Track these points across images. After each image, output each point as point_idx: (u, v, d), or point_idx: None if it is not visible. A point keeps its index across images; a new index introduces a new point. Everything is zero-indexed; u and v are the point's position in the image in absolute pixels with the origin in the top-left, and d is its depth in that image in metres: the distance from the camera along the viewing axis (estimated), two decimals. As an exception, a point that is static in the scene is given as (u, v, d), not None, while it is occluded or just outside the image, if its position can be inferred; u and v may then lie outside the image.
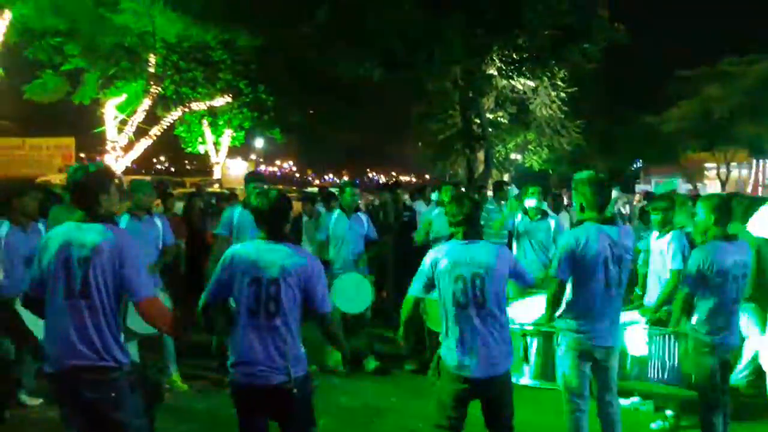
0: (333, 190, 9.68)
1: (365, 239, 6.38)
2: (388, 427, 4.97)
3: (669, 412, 4.86)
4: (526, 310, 4.97)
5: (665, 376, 4.40)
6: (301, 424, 3.15)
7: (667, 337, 4.43)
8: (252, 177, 6.02)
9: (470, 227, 3.58)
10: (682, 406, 4.81)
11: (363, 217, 6.52)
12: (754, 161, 32.96)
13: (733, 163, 31.84)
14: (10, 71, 16.65)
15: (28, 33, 16.61)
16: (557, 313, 3.83)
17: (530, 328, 4.79)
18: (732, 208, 4.11)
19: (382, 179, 58.24)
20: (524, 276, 3.71)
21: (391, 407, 5.39)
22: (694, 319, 4.05)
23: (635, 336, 4.38)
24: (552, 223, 6.57)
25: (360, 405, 5.43)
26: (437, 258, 3.55)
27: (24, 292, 3.11)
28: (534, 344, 4.77)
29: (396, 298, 6.92)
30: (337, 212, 6.43)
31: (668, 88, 26.29)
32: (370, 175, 70.29)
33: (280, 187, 24.03)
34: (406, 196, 10.87)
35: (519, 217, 6.68)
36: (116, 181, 3.21)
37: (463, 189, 9.98)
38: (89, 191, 3.02)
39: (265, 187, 4.73)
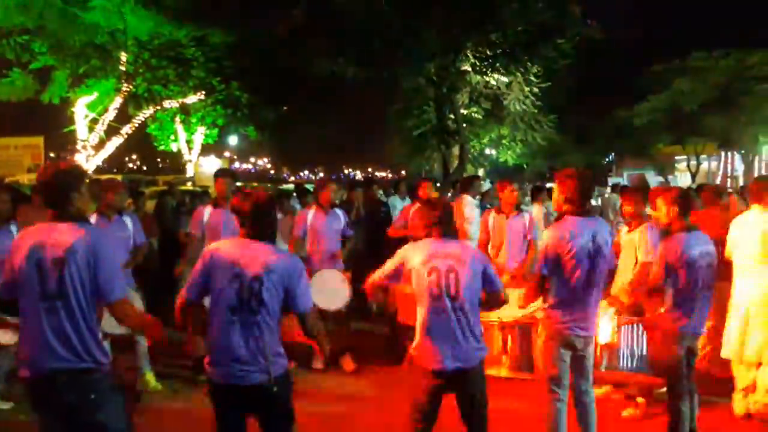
0: (308, 186, 9.68)
1: (341, 235, 6.39)
2: (367, 422, 4.99)
3: (639, 400, 4.96)
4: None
5: (635, 365, 4.49)
6: (281, 422, 3.15)
7: (635, 326, 4.52)
8: (221, 172, 5.98)
9: (445, 228, 3.62)
10: (651, 393, 4.92)
11: (340, 213, 6.51)
12: (723, 153, 33.63)
13: (703, 156, 32.42)
14: (-23, 70, 16.33)
15: (-5, 30, 16.28)
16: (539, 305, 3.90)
17: (509, 320, 4.85)
18: (692, 200, 4.21)
19: (359, 175, 58.23)
20: (494, 281, 3.65)
21: (369, 402, 5.42)
22: (662, 309, 4.14)
23: (604, 325, 4.45)
24: (527, 217, 6.65)
25: (339, 400, 5.45)
26: (412, 251, 3.58)
27: None
28: (512, 336, 4.84)
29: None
30: (313, 208, 6.42)
31: (640, 82, 26.64)
32: (346, 171, 70.16)
33: (255, 184, 23.91)
34: (381, 192, 10.91)
35: (493, 214, 6.74)
36: (87, 180, 3.17)
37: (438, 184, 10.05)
38: (60, 190, 2.96)
39: (237, 183, 4.71)
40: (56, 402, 2.92)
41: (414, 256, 3.55)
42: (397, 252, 3.68)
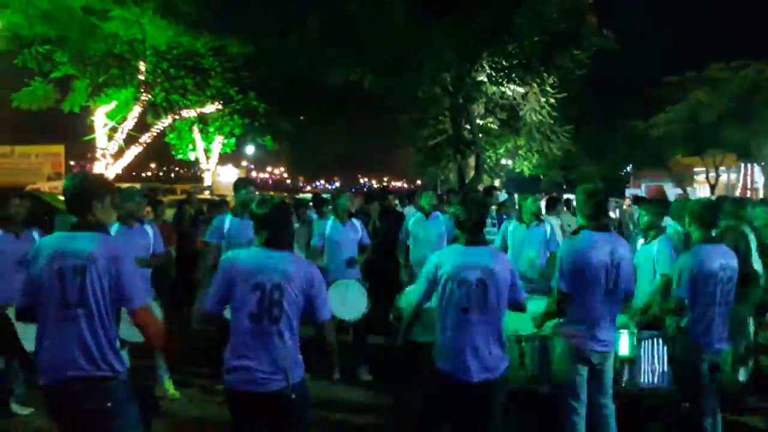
0: (325, 196, 9.70)
1: (359, 245, 6.42)
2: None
3: (660, 415, 4.90)
4: (521, 316, 4.99)
5: (655, 380, 4.43)
6: (296, 429, 3.15)
7: (655, 340, 4.47)
8: (242, 183, 6.01)
9: (475, 232, 3.60)
10: (673, 409, 4.85)
11: (357, 223, 6.56)
12: (743, 165, 33.27)
13: (722, 167, 32.12)
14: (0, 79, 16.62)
15: (18, 40, 16.56)
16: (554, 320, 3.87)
17: (526, 333, 4.82)
18: (714, 213, 4.16)
19: (374, 185, 58.31)
20: (519, 291, 3.63)
21: (385, 412, 5.40)
22: (682, 323, 4.09)
23: (624, 339, 4.40)
24: (548, 228, 6.58)
25: (354, 410, 5.43)
26: (440, 261, 3.56)
27: (17, 304, 3.07)
28: (530, 350, 4.80)
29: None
30: (331, 218, 6.46)
31: (656, 93, 26.49)
32: (361, 180, 70.29)
33: (272, 193, 24.02)
34: (397, 202, 10.90)
35: (514, 223, 6.71)
36: (112, 192, 3.19)
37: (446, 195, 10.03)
38: (84, 198, 3.00)
39: (257, 193, 4.74)
40: (73, 409, 2.94)
41: (441, 266, 3.53)
42: (426, 264, 3.65)
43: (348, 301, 5.89)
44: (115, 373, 2.95)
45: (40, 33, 16.43)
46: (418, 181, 24.20)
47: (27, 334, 3.72)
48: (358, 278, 6.26)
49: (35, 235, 5.06)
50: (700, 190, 33.12)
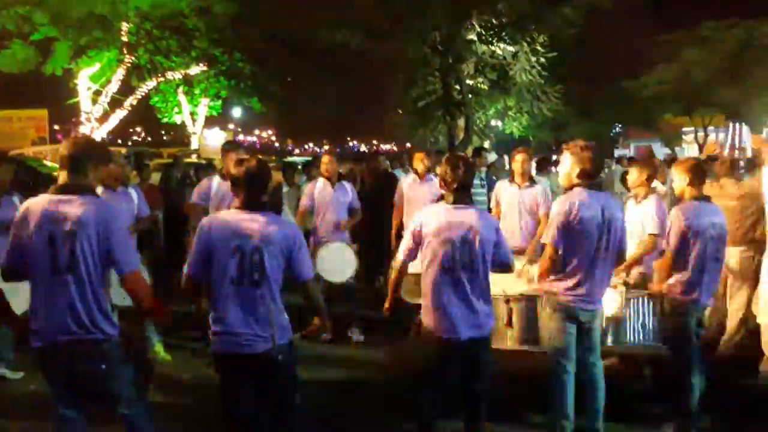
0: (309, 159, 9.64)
1: (349, 208, 6.35)
2: (374, 390, 5.02)
3: (647, 372, 4.96)
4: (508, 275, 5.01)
5: (642, 337, 4.48)
6: (285, 392, 3.17)
7: (643, 298, 4.50)
8: (230, 145, 5.94)
9: (462, 192, 3.57)
10: (660, 365, 4.92)
11: (347, 185, 6.49)
12: (731, 125, 33.29)
13: (711, 127, 32.13)
14: (-23, 41, 16.20)
15: (-5, 1, 16.10)
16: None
17: (513, 293, 4.83)
18: (704, 170, 4.17)
19: (363, 148, 58.00)
20: (505, 250, 3.64)
21: (376, 370, 5.45)
22: (671, 280, 4.12)
23: (611, 298, 4.42)
24: (539, 188, 6.50)
25: (345, 369, 5.48)
26: (424, 221, 3.54)
27: (2, 267, 3.04)
28: (516, 309, 4.82)
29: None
30: (321, 180, 6.38)
31: (647, 52, 26.26)
32: (350, 144, 69.88)
33: (260, 156, 23.85)
34: (388, 163, 10.84)
35: (505, 184, 6.63)
36: (109, 161, 3.15)
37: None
38: (80, 160, 2.96)
39: (245, 155, 4.66)
40: (67, 372, 2.96)
41: (425, 225, 3.52)
42: (410, 224, 3.63)
43: (337, 263, 5.89)
44: (107, 336, 2.97)
45: (19, -7, 15.99)
46: (408, 144, 24.04)
47: (15, 298, 3.70)
48: (346, 241, 6.23)
49: (15, 200, 4.99)
50: (689, 150, 33.19)
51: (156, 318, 3.47)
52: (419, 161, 7.04)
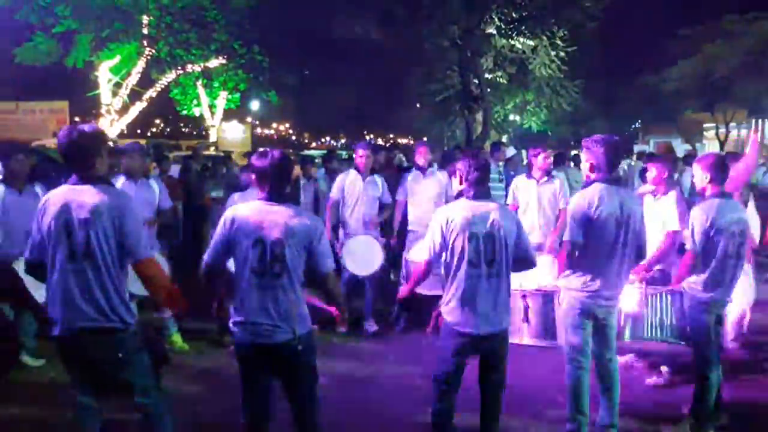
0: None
1: (379, 202, 6.31)
2: (390, 382, 5.02)
3: (664, 369, 4.94)
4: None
5: (660, 334, 4.44)
6: (306, 381, 3.18)
7: (661, 294, 4.47)
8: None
9: (480, 186, 3.58)
10: (677, 362, 4.89)
11: (378, 179, 6.37)
12: (753, 121, 32.76)
13: (732, 123, 31.63)
14: (1, 34, 16.37)
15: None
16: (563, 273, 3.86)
17: (530, 288, 4.82)
18: (727, 166, 4.10)
19: (380, 141, 57.89)
20: (525, 244, 3.61)
21: (392, 363, 5.47)
22: (691, 277, 4.07)
23: (629, 293, 4.40)
24: (557, 183, 6.46)
25: (362, 361, 5.50)
26: (449, 216, 3.54)
27: (26, 259, 3.10)
28: (533, 304, 4.81)
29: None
30: (352, 173, 6.29)
31: (668, 47, 25.91)
32: (367, 137, 69.89)
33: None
34: (403, 157, 10.84)
35: (522, 179, 6.60)
36: (106, 143, 3.17)
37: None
38: (84, 153, 3.00)
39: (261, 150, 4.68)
40: (85, 359, 3.02)
41: (453, 219, 3.50)
42: (433, 221, 3.62)
43: (363, 256, 5.89)
44: (126, 325, 3.01)
45: (42, -14, 16.16)
46: (425, 138, 24.00)
47: (37, 286, 3.76)
48: (376, 236, 6.17)
49: (38, 190, 5.06)
50: (710, 146, 32.72)
51: (173, 306, 3.49)
52: (421, 155, 6.69)
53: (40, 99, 22.75)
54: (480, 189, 3.57)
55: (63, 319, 2.95)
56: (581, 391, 3.83)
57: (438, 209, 3.75)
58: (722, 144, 30.54)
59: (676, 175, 6.96)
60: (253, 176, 3.22)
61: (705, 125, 34.02)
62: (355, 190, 6.20)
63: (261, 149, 3.42)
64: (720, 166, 4.05)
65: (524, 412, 4.32)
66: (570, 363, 3.87)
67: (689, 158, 10.35)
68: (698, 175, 4.09)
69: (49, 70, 18.90)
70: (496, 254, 3.44)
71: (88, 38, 17.67)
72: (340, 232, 6.27)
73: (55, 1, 16.55)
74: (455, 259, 3.49)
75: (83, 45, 17.80)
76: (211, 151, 18.98)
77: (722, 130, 31.32)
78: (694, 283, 4.05)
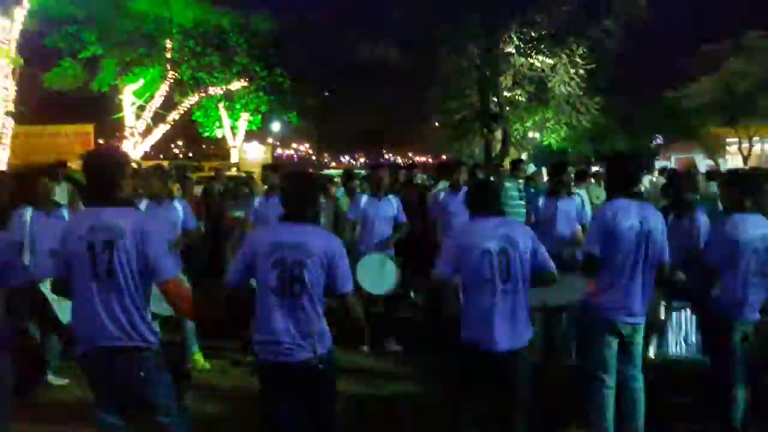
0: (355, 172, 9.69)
1: (394, 222, 6.34)
2: (411, 403, 4.98)
3: (689, 387, 4.85)
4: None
5: (685, 350, 4.38)
6: (326, 401, 3.19)
7: (685, 310, 4.41)
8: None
9: (491, 203, 3.61)
10: (702, 379, 4.80)
11: (393, 200, 6.41)
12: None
13: (756, 138, 31.21)
14: (30, 59, 16.80)
15: (47, 21, 16.73)
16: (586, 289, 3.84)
17: (552, 304, 4.79)
18: (749, 182, 4.05)
19: (399, 161, 57.97)
20: (546, 261, 3.59)
21: (414, 383, 5.42)
22: (714, 293, 4.02)
23: (653, 311, 4.35)
24: (577, 199, 6.45)
25: (382, 381, 5.46)
26: (461, 233, 3.56)
27: (52, 280, 3.16)
28: (554, 321, 4.78)
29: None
30: (367, 193, 6.39)
31: (689, 63, 25.77)
32: (386, 156, 70.08)
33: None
34: (424, 177, 10.86)
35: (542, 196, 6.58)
36: (130, 166, 3.23)
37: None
38: (109, 175, 3.05)
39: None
40: (108, 378, 3.04)
41: (465, 238, 3.53)
42: (447, 238, 3.64)
43: (377, 275, 5.89)
44: (148, 344, 3.03)
45: (69, 13, 16.58)
46: (444, 157, 23.96)
47: (62, 307, 3.82)
48: (390, 255, 6.22)
49: (64, 212, 5.16)
50: (733, 162, 32.28)
51: (194, 318, 3.51)
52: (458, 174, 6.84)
53: (66, 122, 23.25)
54: (491, 206, 3.60)
55: (86, 338, 2.99)
56: (605, 409, 3.78)
57: (455, 228, 3.77)
58: (745, 159, 30.13)
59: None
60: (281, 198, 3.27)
61: (728, 140, 33.60)
62: (369, 210, 6.26)
63: (274, 162, 3.47)
64: (745, 181, 4.01)
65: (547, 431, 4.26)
66: (593, 381, 3.82)
67: (712, 174, 10.24)
68: (722, 190, 4.06)
69: (75, 94, 19.34)
70: (510, 270, 3.44)
71: (113, 63, 18.10)
72: (356, 252, 6.29)
73: (82, 27, 16.99)
74: (466, 274, 3.50)
75: (108, 69, 18.23)
76: (233, 171, 19.20)
77: (745, 145, 30.91)
78: (716, 300, 3.99)
